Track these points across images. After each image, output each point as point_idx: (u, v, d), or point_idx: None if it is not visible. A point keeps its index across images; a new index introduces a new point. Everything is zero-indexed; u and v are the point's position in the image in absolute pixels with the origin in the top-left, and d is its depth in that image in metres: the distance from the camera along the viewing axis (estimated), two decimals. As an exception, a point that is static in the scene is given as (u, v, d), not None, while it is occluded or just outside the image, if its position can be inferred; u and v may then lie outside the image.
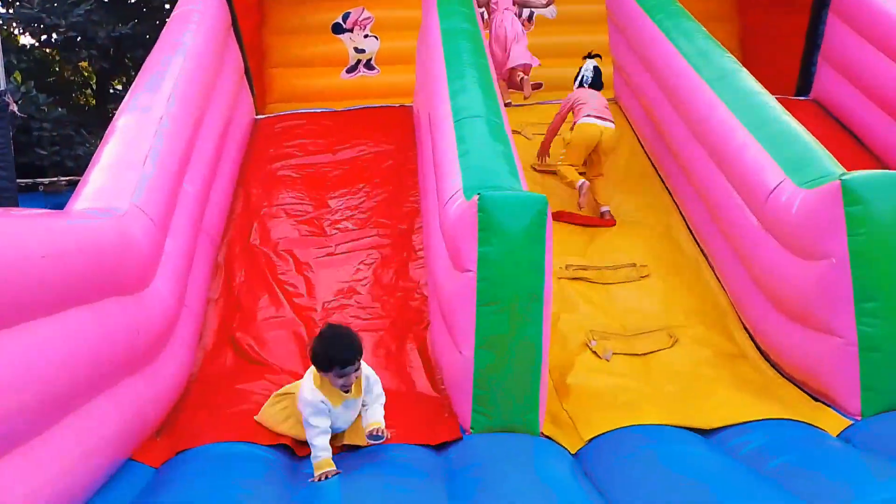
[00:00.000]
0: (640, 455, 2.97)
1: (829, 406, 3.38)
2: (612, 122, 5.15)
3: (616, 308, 4.28)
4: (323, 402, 2.87)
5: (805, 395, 3.56)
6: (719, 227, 4.41)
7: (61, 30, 13.07)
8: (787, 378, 3.74)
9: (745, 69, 4.81)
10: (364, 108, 6.32)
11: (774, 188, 3.72)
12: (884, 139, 5.55)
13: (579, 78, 5.49)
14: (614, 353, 3.92)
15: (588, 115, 5.06)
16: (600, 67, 5.53)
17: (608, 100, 6.32)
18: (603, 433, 3.22)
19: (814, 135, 4.03)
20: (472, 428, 3.19)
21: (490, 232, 3.11)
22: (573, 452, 3.17)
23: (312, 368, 2.95)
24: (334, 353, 2.84)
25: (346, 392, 2.91)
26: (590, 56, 5.61)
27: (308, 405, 2.87)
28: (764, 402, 3.44)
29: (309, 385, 2.92)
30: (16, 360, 2.15)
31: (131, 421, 2.92)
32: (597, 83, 5.44)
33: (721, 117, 4.38)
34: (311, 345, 2.96)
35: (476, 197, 3.18)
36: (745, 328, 4.14)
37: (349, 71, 7.25)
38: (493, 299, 3.11)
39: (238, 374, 3.85)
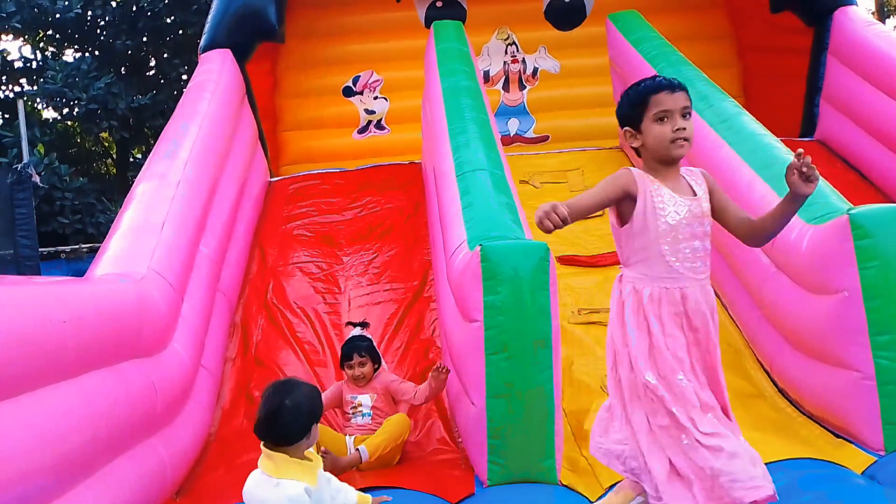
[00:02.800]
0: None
1: (851, 442, 3.32)
2: None
3: (631, 352, 4.26)
4: (306, 490, 2.30)
5: (827, 432, 3.50)
6: (729, 265, 4.41)
7: (82, 103, 13.52)
8: (807, 416, 3.68)
9: (746, 112, 4.88)
10: (375, 166, 6.44)
11: (783, 226, 3.73)
12: (889, 175, 5.57)
13: None
14: (631, 398, 3.89)
15: None
16: None
17: (613, 148, 6.43)
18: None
19: (820, 174, 4.04)
20: (488, 479, 3.16)
21: (494, 281, 3.13)
22: (593, 500, 3.12)
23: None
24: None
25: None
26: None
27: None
28: (785, 442, 3.39)
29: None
30: (37, 423, 2.21)
31: (150, 482, 2.95)
32: None
33: (726, 158, 4.42)
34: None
35: (479, 247, 3.20)
36: (763, 367, 4.10)
37: (360, 132, 7.43)
38: (501, 348, 3.11)
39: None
